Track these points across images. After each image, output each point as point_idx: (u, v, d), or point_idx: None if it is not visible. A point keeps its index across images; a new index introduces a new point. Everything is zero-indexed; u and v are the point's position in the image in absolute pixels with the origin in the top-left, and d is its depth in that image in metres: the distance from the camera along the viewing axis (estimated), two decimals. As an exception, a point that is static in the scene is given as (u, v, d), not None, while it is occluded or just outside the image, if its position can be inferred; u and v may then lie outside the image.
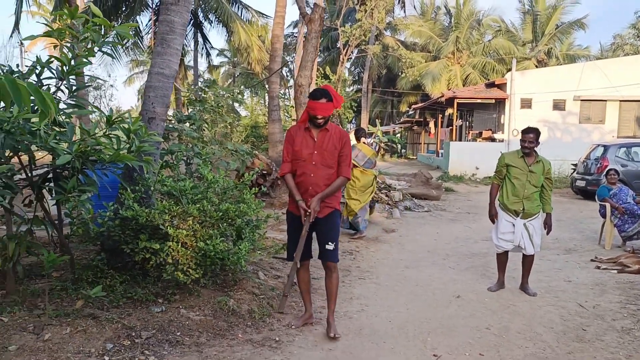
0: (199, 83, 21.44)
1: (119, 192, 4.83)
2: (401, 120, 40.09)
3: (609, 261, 7.23)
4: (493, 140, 21.27)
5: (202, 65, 40.01)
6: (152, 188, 4.94)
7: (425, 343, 4.30)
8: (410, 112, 38.17)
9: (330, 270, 4.30)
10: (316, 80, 15.30)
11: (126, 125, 4.58)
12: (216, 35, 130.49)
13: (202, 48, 24.66)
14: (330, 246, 4.21)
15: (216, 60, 46.45)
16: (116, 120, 4.49)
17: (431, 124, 31.40)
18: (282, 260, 6.50)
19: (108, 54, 4.17)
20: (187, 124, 6.38)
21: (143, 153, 4.64)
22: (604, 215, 8.62)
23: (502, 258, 5.93)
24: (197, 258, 4.37)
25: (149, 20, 20.80)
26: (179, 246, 4.34)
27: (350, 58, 32.87)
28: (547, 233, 5.89)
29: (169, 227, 4.29)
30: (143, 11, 20.36)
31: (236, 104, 28.59)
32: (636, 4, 64.50)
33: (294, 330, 4.39)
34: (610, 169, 9.10)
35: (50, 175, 4.55)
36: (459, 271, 6.81)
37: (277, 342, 4.10)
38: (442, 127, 28.34)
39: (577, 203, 14.46)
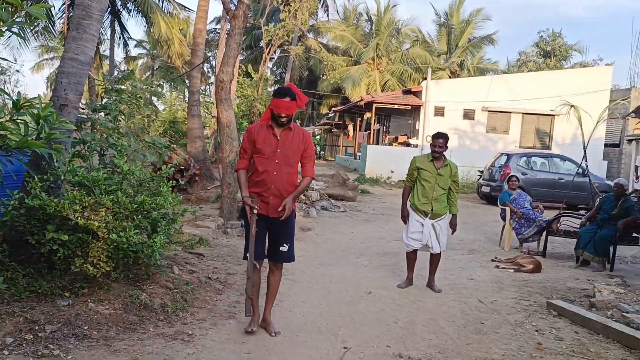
0: (115, 73, 20.64)
1: (24, 181, 4.61)
2: (321, 122, 40.56)
3: (507, 261, 7.75)
4: (408, 145, 22.04)
5: (119, 55, 38.36)
6: (62, 178, 4.76)
7: (337, 336, 4.44)
8: (330, 115, 38.71)
9: (278, 269, 4.36)
10: (238, 77, 15.16)
11: (35, 111, 4.40)
12: (135, 26, 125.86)
13: (120, 37, 23.70)
14: (284, 247, 4.23)
15: (134, 51, 44.79)
16: (24, 105, 4.29)
17: (350, 127, 32.02)
18: (197, 256, 6.45)
19: (17, 34, 3.96)
20: (102, 114, 6.18)
21: (53, 141, 4.47)
22: (504, 219, 9.23)
23: (412, 256, 6.20)
24: (109, 250, 4.26)
25: (63, 4, 19.77)
26: (90, 238, 4.22)
27: (273, 58, 32.90)
28: (452, 233, 6.22)
29: (79, 218, 4.15)
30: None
31: (154, 98, 27.82)
32: (540, 25, 69.08)
33: (207, 324, 4.39)
34: (511, 176, 9.75)
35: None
36: (371, 269, 7.05)
37: (190, 335, 4.09)
38: (360, 130, 28.98)
39: (482, 207, 15.32)
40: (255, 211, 4.06)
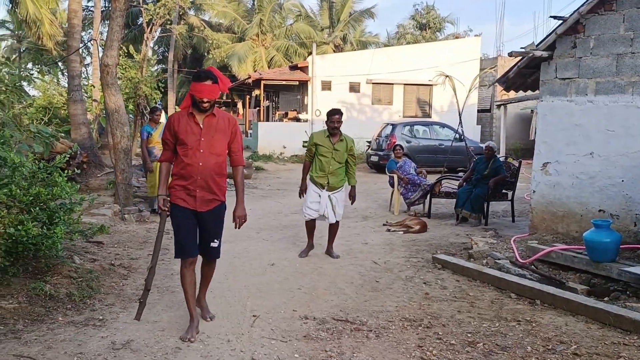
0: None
1: None
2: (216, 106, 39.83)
3: (396, 224, 8.40)
4: (298, 120, 22.47)
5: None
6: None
7: (245, 307, 4.70)
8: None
9: (211, 265, 4.21)
10: (119, 59, 14.60)
11: None
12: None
13: (-22, 18, 21.72)
14: (215, 243, 4.03)
15: (-5, 32, 40.99)
16: None
17: (239, 105, 31.89)
18: (96, 244, 6.39)
19: None
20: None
21: None
22: (392, 185, 9.91)
23: (310, 225, 6.51)
24: (7, 245, 4.19)
25: None
26: (-15, 234, 4.12)
27: (154, 37, 31.70)
28: (352, 203, 6.60)
29: (-28, 215, 4.04)
30: None
31: (24, 83, 25.83)
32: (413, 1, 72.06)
33: (117, 309, 4.46)
34: (396, 145, 10.45)
35: None
36: (272, 242, 7.36)
37: (101, 320, 4.15)
38: (250, 107, 28.97)
39: (372, 176, 16.16)
40: (164, 214, 3.96)
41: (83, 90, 13.69)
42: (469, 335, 4.08)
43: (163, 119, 9.99)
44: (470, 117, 22.54)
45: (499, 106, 22.73)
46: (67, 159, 5.18)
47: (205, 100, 3.78)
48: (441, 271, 5.95)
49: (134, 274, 5.54)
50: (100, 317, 4.21)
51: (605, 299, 4.76)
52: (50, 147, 6.65)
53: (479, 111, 24.15)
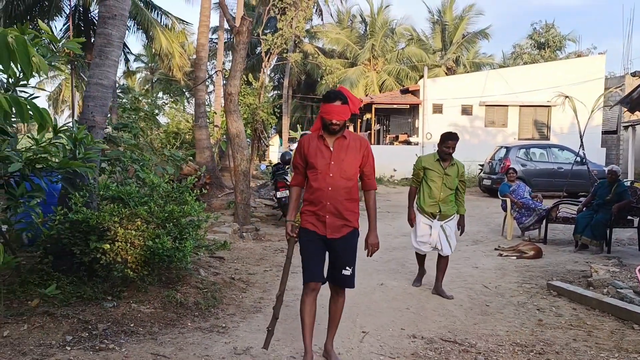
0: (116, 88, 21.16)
1: (65, 197, 5.06)
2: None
3: (509, 249, 8.19)
4: (409, 143, 22.50)
5: (119, 70, 38.98)
6: (97, 192, 5.22)
7: (355, 323, 4.88)
8: (330, 117, 39.15)
9: (340, 295, 3.88)
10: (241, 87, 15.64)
11: (71, 134, 4.86)
12: (135, 41, 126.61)
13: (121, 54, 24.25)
14: (347, 271, 3.74)
15: (133, 65, 45.35)
16: (61, 129, 4.76)
17: (350, 128, 32.48)
18: (218, 259, 6.91)
19: (58, 68, 4.40)
20: (123, 132, 6.65)
21: (87, 160, 4.94)
22: (505, 209, 9.66)
23: (420, 258, 6.21)
24: (146, 256, 4.73)
25: (64, 25, 20.30)
26: (128, 246, 4.68)
27: (271, 65, 33.39)
28: (460, 234, 6.10)
29: (118, 228, 4.61)
30: (57, 16, 19.85)
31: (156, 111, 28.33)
32: (532, 16, 69.43)
33: (237, 318, 4.84)
34: (510, 168, 10.19)
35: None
36: (381, 263, 7.49)
37: (224, 328, 4.54)
38: (361, 131, 29.43)
39: (484, 200, 15.76)
40: (292, 240, 3.79)
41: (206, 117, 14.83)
42: (587, 364, 3.95)
43: (275, 142, 10.48)
44: (594, 139, 21.26)
45: (626, 127, 21.21)
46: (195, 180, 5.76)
47: (334, 122, 3.61)
48: (556, 298, 5.75)
49: (252, 287, 5.93)
50: (223, 325, 4.59)
51: None
52: (180, 169, 7.32)
53: (603, 133, 22.72)
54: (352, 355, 4.10)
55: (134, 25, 22.41)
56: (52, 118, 4.51)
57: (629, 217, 8.22)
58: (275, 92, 42.38)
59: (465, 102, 21.81)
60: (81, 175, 5.36)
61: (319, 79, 35.91)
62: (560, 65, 23.03)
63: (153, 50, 21.82)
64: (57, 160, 4.63)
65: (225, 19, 9.00)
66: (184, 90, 30.17)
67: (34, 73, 1.91)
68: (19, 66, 1.92)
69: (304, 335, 3.79)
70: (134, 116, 6.82)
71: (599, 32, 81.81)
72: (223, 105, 8.74)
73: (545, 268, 7.13)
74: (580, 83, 20.27)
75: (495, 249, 8.41)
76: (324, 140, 3.71)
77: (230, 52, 34.98)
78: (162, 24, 22.14)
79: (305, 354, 3.78)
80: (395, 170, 21.08)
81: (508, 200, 9.48)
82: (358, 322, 4.91)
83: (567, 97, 15.08)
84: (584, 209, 8.36)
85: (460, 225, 6.02)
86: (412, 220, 5.94)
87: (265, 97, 17.89)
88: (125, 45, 23.88)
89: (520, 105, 21.80)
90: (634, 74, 6.50)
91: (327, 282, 3.82)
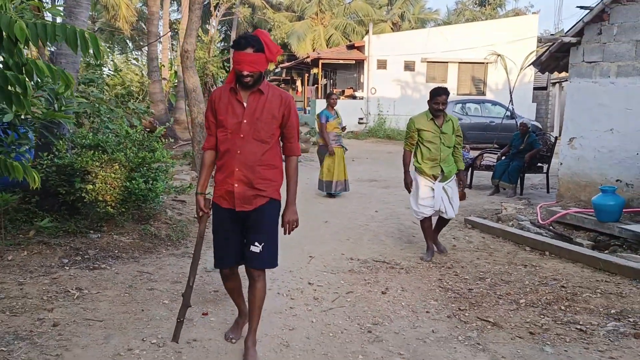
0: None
1: (49, 145, 5.71)
2: (269, 78, 41.28)
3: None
4: (354, 98, 23.40)
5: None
6: (74, 141, 5.89)
7: (303, 250, 5.84)
8: (277, 71, 39.49)
9: (254, 278, 3.25)
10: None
11: (52, 89, 5.48)
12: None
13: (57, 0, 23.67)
14: (256, 247, 3.15)
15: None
16: (44, 84, 5.38)
17: (298, 83, 33.05)
18: (180, 202, 7.70)
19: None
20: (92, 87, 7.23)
21: (66, 112, 5.60)
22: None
23: (426, 224, 5.64)
24: (123, 195, 5.50)
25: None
26: (107, 186, 5.43)
27: (218, 18, 33.22)
28: (462, 190, 5.81)
29: (100, 171, 5.35)
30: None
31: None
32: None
33: (204, 247, 5.69)
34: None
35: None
36: (326, 205, 8.49)
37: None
38: (308, 85, 30.08)
39: (423, 152, 16.96)
40: (204, 216, 3.34)
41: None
42: (481, 273, 5.08)
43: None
44: (526, 95, 22.80)
45: (554, 84, 22.83)
46: (148, 131, 6.46)
47: (245, 73, 3.00)
48: (470, 231, 6.90)
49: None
50: (192, 252, 5.46)
51: (606, 252, 5.61)
52: (141, 120, 7.97)
53: (535, 89, 24.27)
54: (301, 272, 5.07)
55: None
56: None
57: (539, 164, 9.49)
58: (222, 44, 42.16)
59: (408, 58, 22.77)
60: (59, 126, 6.02)
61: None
62: (496, 24, 24.22)
63: (102, 1, 21.50)
64: (41, 112, 5.26)
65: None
66: (127, 41, 29.79)
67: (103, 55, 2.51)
68: (91, 51, 2.49)
69: (235, 303, 3.60)
70: (98, 71, 7.37)
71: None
72: (177, 60, 9.30)
73: (466, 208, 8.27)
74: (514, 41, 21.50)
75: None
76: (236, 94, 3.12)
77: (176, 3, 34.52)
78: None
79: (240, 314, 3.61)
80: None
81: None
82: (306, 249, 5.88)
83: (499, 55, 16.29)
84: (502, 158, 9.57)
85: (462, 181, 5.80)
86: (409, 186, 5.60)
87: (214, 52, 18.25)
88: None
89: (459, 62, 22.97)
90: (540, 40, 7.56)
91: (243, 262, 3.29)
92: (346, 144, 9.58)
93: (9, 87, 2.67)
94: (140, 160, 5.70)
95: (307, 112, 26.20)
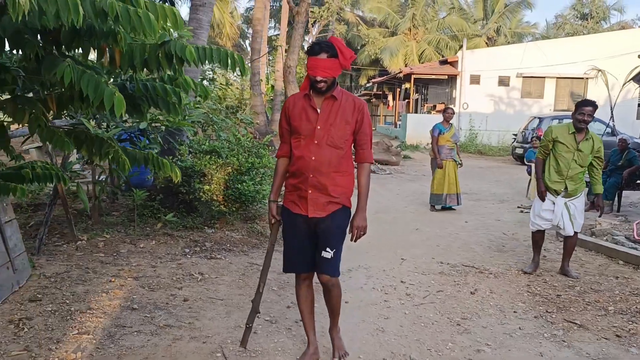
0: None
1: (174, 150, 6.51)
2: (360, 93, 41.97)
3: (530, 207, 9.35)
4: (446, 112, 23.43)
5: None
6: (192, 147, 6.66)
7: (396, 253, 6.21)
8: (368, 85, 40.09)
9: (327, 287, 3.26)
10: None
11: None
12: (186, 11, 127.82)
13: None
14: (327, 254, 3.15)
15: (178, 32, 46.84)
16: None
17: (389, 97, 33.40)
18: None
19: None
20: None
21: (190, 121, 6.37)
22: (530, 174, 10.78)
23: (538, 237, 5.60)
24: (235, 196, 6.15)
25: None
26: (222, 187, 6.11)
27: (315, 36, 34.41)
28: (600, 215, 5.62)
29: (216, 173, 6.04)
30: None
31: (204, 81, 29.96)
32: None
33: (304, 246, 6.25)
34: (533, 137, 11.26)
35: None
36: (417, 214, 8.80)
37: (296, 251, 5.95)
38: (399, 99, 30.37)
39: (515, 168, 16.76)
40: (273, 222, 3.35)
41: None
42: (571, 282, 5.22)
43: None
44: (630, 112, 21.86)
45: (663, 100, 21.64)
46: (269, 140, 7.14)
47: (319, 78, 3.01)
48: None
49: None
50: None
51: None
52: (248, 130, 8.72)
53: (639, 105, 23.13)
54: (394, 272, 5.45)
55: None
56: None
57: (638, 181, 9.26)
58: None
59: (503, 73, 22.53)
60: (181, 133, 6.82)
61: (359, 48, 36.80)
62: (598, 38, 23.38)
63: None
64: (170, 121, 6.04)
65: (286, 1, 10.23)
66: (247, 61, 31.77)
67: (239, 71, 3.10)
68: (237, 69, 3.04)
69: (304, 325, 3.41)
70: (211, 86, 8.19)
71: (650, 0, 78.92)
72: (273, 74, 9.97)
73: (559, 222, 8.29)
74: (618, 56, 20.69)
75: (518, 207, 9.59)
76: (310, 100, 3.14)
77: (274, 20, 36.10)
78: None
79: (308, 345, 3.40)
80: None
81: (533, 165, 10.57)
82: (398, 252, 6.25)
83: (599, 70, 15.81)
84: (599, 174, 9.42)
85: (599, 206, 5.65)
86: (542, 194, 5.39)
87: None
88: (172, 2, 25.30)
89: (557, 77, 22.40)
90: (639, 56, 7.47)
91: (314, 270, 3.28)
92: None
93: (167, 98, 3.31)
94: (250, 165, 6.35)
95: (398, 126, 26.48)
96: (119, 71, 3.13)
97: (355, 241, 3.25)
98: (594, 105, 5.07)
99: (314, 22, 18.51)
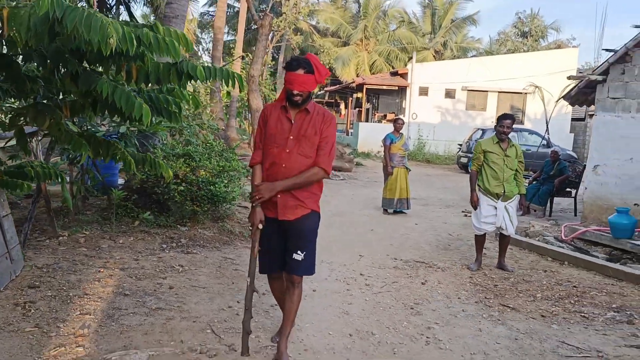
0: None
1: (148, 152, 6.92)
2: (313, 100, 42.67)
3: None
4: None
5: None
6: (165, 151, 7.09)
7: (354, 251, 6.83)
8: (320, 93, 40.90)
9: (293, 285, 3.49)
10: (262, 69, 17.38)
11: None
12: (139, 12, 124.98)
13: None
14: (298, 256, 3.39)
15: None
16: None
17: (342, 105, 34.29)
18: (244, 208, 8.83)
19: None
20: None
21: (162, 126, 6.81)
22: (473, 181, 11.68)
23: (481, 240, 6.28)
24: (207, 196, 6.64)
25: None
26: (195, 188, 6.58)
27: (271, 46, 34.93)
28: (523, 214, 6.43)
29: (189, 175, 6.51)
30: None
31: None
32: (518, 5, 71.05)
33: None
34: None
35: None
36: (372, 217, 9.48)
37: (264, 247, 6.49)
38: (351, 108, 31.28)
39: (461, 176, 17.81)
40: (260, 226, 3.39)
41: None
42: (507, 274, 5.99)
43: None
44: (564, 126, 23.41)
45: (591, 116, 23.34)
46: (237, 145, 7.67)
47: (295, 92, 3.27)
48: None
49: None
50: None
51: (617, 263, 6.43)
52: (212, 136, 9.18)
53: (573, 119, 24.82)
54: (353, 266, 6.07)
55: (143, -1, 23.77)
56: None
57: (568, 189, 10.28)
58: (272, 68, 43.94)
59: (449, 86, 23.72)
60: (154, 137, 7.25)
61: (312, 56, 37.59)
62: (537, 55, 24.96)
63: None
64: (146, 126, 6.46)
65: (251, 14, 10.77)
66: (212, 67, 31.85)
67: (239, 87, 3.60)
68: (237, 85, 3.56)
69: (280, 306, 3.78)
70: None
71: (584, 17, 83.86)
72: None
73: (498, 225, 9.15)
74: (555, 73, 22.23)
75: (462, 211, 10.44)
76: (286, 111, 3.38)
77: (227, 25, 36.35)
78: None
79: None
80: (381, 146, 22.97)
81: (476, 173, 11.47)
82: (356, 250, 6.88)
83: (537, 87, 17.09)
84: (533, 182, 10.40)
85: (522, 205, 6.32)
86: (475, 203, 6.14)
87: (267, 75, 19.63)
88: (133, 18, 25.27)
89: (499, 92, 23.78)
90: (569, 78, 8.47)
91: (284, 270, 3.50)
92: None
93: (169, 108, 3.82)
94: (221, 167, 6.85)
95: (350, 134, 27.33)
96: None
97: (251, 200, 3.40)
98: (512, 118, 5.93)
99: (270, 32, 19.02)
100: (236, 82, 3.59)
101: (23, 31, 2.56)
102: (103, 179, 6.94)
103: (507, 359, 3.80)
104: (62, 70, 3.29)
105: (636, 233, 6.85)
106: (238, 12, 31.98)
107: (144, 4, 23.86)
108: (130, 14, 23.95)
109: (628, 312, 4.80)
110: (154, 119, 4.64)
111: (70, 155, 6.36)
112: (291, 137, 3.32)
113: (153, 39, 2.85)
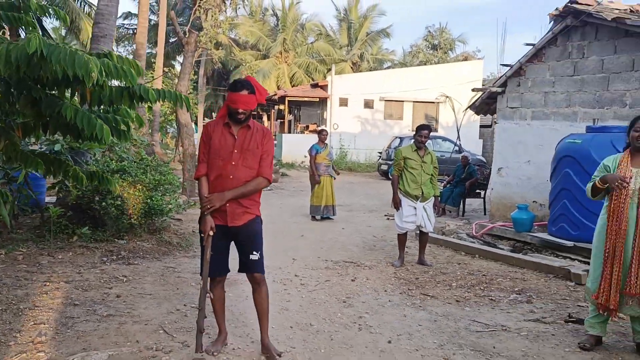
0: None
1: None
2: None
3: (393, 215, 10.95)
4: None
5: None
6: (100, 167, 7.25)
7: (287, 255, 7.28)
8: (242, 106, 41.06)
9: (258, 284, 3.80)
10: (162, 79, 17.41)
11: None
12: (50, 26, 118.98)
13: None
14: (255, 256, 3.73)
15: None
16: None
17: (264, 117, 34.69)
18: (177, 220, 9.06)
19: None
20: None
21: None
22: (393, 186, 12.48)
23: (403, 238, 6.88)
24: (145, 210, 6.87)
25: None
26: (132, 203, 6.80)
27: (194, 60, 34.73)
28: (439, 215, 7.46)
29: (128, 190, 6.73)
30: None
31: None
32: (431, 16, 74.68)
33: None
34: (398, 154, 13.03)
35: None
36: (301, 224, 9.98)
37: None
38: (274, 120, 31.77)
39: (381, 182, 18.72)
40: (211, 233, 3.66)
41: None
42: (426, 268, 6.67)
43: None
44: (473, 132, 25.03)
45: (496, 123, 25.17)
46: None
47: (240, 110, 3.60)
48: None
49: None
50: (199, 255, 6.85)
51: (519, 253, 7.30)
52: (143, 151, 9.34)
53: (481, 126, 26.60)
54: (288, 269, 6.53)
55: (53, 14, 23.07)
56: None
57: (478, 191, 11.28)
58: (194, 83, 43.58)
59: (368, 96, 24.78)
60: (84, 154, 7.39)
61: (231, 69, 37.77)
62: (446, 67, 26.63)
63: (81, 41, 22.69)
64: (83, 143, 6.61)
65: (176, 32, 10.99)
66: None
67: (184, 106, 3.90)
68: (173, 101, 3.94)
69: (216, 318, 3.97)
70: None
71: (488, 29, 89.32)
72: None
73: (417, 226, 9.92)
74: (463, 84, 23.80)
75: (385, 215, 11.17)
76: (229, 127, 3.69)
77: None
78: (86, 14, 23.00)
79: (219, 333, 3.96)
80: (305, 156, 23.48)
81: (395, 179, 12.27)
82: (289, 254, 7.34)
83: (447, 96, 18.34)
84: (447, 185, 11.32)
85: (437, 206, 7.08)
86: (396, 204, 6.79)
87: (189, 89, 19.72)
88: (45, 33, 24.49)
89: (414, 101, 25.12)
90: (473, 90, 9.42)
91: (244, 273, 3.83)
92: (308, 175, 11.02)
93: (118, 127, 4.12)
94: (156, 182, 7.10)
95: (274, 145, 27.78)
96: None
97: (202, 208, 3.70)
98: (429, 129, 6.71)
99: (196, 49, 19.16)
100: (184, 103, 3.97)
101: (1, 64, 2.82)
102: (36, 197, 6.99)
103: (427, 337, 4.39)
104: (22, 95, 3.53)
105: (535, 227, 7.76)
106: (155, 25, 31.90)
107: (55, 19, 23.34)
108: (43, 29, 23.26)
109: (528, 294, 5.57)
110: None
111: (9, 175, 6.41)
112: (235, 151, 3.64)
113: (113, 68, 3.19)
